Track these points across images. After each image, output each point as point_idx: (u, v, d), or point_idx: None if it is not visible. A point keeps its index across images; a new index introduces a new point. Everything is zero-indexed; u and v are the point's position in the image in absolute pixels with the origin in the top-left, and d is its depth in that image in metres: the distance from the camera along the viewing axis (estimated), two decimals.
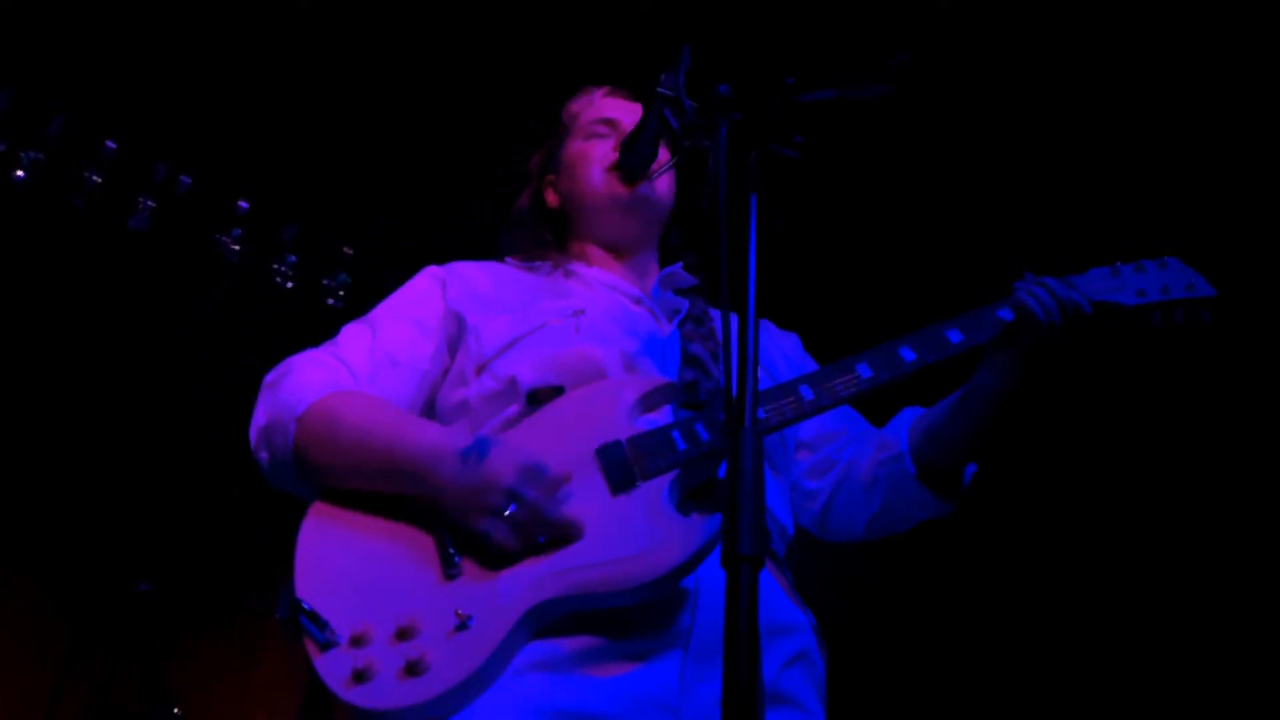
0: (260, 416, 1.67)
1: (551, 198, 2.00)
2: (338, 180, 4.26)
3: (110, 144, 3.92)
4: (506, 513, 1.44)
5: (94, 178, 3.87)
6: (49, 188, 3.85)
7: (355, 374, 1.70)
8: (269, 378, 1.71)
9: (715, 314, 1.88)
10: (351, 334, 1.78)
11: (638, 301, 1.85)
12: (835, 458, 1.86)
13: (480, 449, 1.48)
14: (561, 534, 1.45)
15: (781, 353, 1.94)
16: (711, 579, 1.45)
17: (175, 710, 3.94)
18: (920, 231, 4.12)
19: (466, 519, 1.47)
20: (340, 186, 4.30)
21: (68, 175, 3.84)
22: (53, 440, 4.48)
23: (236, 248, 4.32)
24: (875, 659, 4.27)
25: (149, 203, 4.02)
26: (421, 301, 1.82)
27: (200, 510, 4.47)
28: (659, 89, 1.55)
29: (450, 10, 3.69)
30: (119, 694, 4.40)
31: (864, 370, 1.64)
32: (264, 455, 1.66)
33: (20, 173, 3.72)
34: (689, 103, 1.50)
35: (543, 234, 1.99)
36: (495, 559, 1.45)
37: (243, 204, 4.32)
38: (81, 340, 4.42)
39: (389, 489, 1.55)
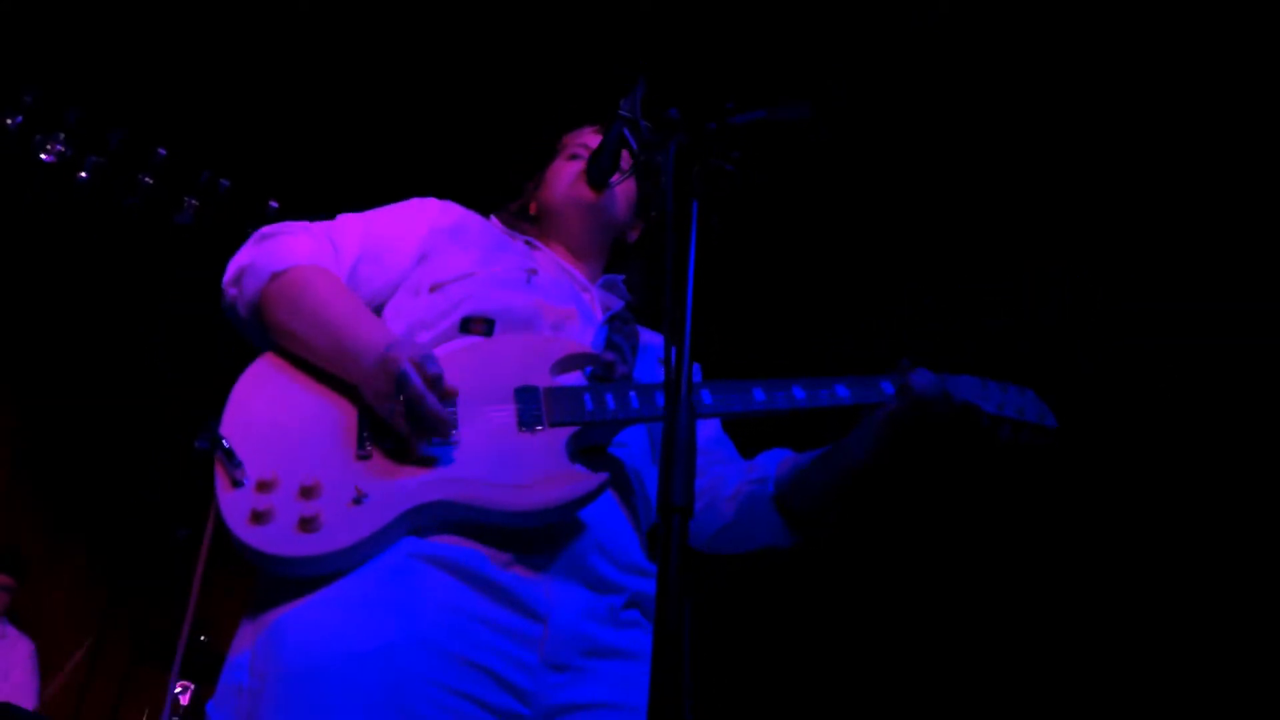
0: (244, 257, 1.74)
1: (533, 207, 2.19)
2: (355, 185, 4.68)
3: (161, 151, 4.37)
4: (399, 397, 1.52)
5: (146, 180, 4.28)
6: (107, 188, 4.26)
7: (340, 258, 1.80)
8: (264, 230, 1.78)
9: (641, 330, 2.02)
10: (348, 222, 1.88)
11: (583, 289, 2.01)
12: (705, 469, 1.96)
13: (396, 343, 1.56)
14: (434, 428, 1.52)
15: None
16: (591, 520, 1.60)
17: (202, 637, 4.26)
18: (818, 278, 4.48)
19: (373, 401, 1.57)
20: (356, 190, 4.70)
21: (124, 178, 4.24)
22: (106, 422, 4.93)
23: None
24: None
25: (193, 201, 4.45)
26: (416, 214, 1.94)
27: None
28: (620, 111, 1.73)
29: (460, 27, 4.05)
30: (157, 621, 4.87)
31: (758, 394, 1.76)
32: (232, 291, 1.74)
33: (83, 174, 4.12)
34: (645, 123, 1.68)
35: (521, 226, 2.21)
36: (401, 454, 1.55)
37: (273, 203, 4.75)
38: (116, 316, 4.88)
39: (329, 368, 1.64)
